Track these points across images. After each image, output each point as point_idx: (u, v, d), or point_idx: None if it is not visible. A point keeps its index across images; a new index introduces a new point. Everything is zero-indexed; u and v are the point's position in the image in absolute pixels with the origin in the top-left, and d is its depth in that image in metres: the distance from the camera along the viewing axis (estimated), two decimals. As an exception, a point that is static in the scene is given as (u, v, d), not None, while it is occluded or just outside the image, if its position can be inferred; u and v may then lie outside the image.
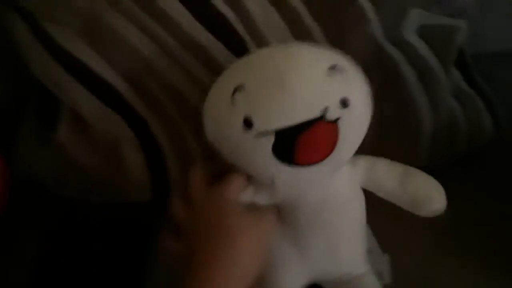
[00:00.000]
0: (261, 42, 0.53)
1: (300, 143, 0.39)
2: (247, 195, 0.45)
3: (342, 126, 0.40)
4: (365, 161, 0.46)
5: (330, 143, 0.40)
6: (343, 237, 0.46)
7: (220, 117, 0.41)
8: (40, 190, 0.58)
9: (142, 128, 0.56)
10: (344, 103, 0.40)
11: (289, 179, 0.42)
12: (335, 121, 0.39)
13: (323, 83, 0.40)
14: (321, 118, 0.39)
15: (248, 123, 0.39)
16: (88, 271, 0.53)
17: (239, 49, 0.52)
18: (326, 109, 0.39)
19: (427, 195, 0.45)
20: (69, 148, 0.57)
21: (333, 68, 0.40)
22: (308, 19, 0.53)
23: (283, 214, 0.45)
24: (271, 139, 0.39)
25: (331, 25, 0.53)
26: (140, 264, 0.54)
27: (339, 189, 0.45)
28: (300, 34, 0.53)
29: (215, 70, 0.53)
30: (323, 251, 0.46)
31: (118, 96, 0.54)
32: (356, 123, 0.41)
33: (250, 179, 0.44)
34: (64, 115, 0.57)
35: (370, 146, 0.49)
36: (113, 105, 0.55)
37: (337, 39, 0.52)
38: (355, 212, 0.47)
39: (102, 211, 0.58)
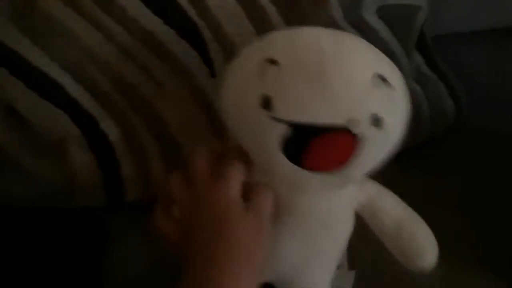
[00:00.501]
0: (215, 27, 0.50)
1: (313, 145, 0.35)
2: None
3: (364, 145, 0.35)
4: (373, 189, 0.42)
5: (345, 156, 0.35)
6: (320, 258, 0.43)
7: (240, 87, 0.36)
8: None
9: (90, 125, 0.52)
10: (376, 122, 0.35)
11: (289, 179, 0.38)
12: (359, 136, 0.34)
13: (363, 91, 0.34)
14: (345, 128, 0.34)
15: (267, 102, 0.34)
16: (36, 283, 0.49)
17: (191, 35, 0.50)
18: (355, 122, 0.34)
19: (420, 250, 0.42)
20: (8, 149, 0.53)
21: (378, 77, 0.35)
22: (265, 2, 0.51)
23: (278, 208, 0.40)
24: (284, 131, 0.34)
25: (288, 7, 0.51)
26: (93, 270, 0.51)
27: (336, 209, 0.41)
28: (257, 18, 0.50)
29: (167, 58, 0.51)
30: (293, 264, 0.42)
31: (59, 89, 0.50)
32: (380, 147, 0.36)
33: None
34: (-1, 111, 0.52)
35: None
36: (54, 99, 0.51)
37: (295, 22, 0.50)
38: (343, 235, 0.43)
39: (52, 216, 0.54)
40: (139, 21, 0.49)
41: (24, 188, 0.54)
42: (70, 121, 0.52)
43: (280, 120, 0.34)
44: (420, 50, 0.59)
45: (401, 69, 0.53)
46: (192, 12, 0.50)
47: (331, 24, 0.52)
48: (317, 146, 0.35)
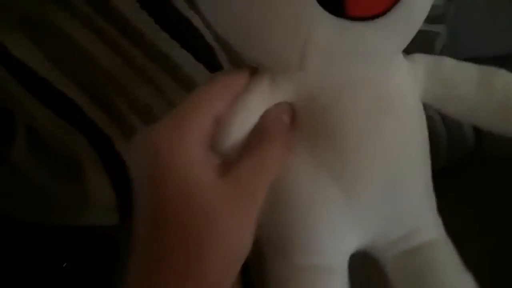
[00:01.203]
0: (231, 50, 0.50)
1: None
2: (260, 91, 0.29)
3: None
4: (425, 58, 0.33)
5: None
6: (409, 168, 0.31)
7: None
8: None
9: (105, 146, 0.52)
10: None
11: (331, 46, 0.27)
12: None
13: None
14: None
15: None
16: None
17: (208, 59, 0.50)
18: None
19: None
20: (24, 167, 0.53)
21: None
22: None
23: (318, 126, 0.29)
24: None
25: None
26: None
27: (400, 89, 0.31)
28: None
29: (183, 81, 0.51)
30: (381, 188, 0.30)
31: (76, 110, 0.51)
32: None
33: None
34: (19, 130, 0.53)
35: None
36: (72, 120, 0.51)
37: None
38: (421, 131, 0.32)
39: (64, 235, 0.54)
40: (157, 45, 0.49)
41: (39, 204, 0.54)
42: (86, 141, 0.52)
43: None
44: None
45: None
46: (209, 37, 0.50)
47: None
48: None
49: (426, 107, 0.54)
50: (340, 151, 0.29)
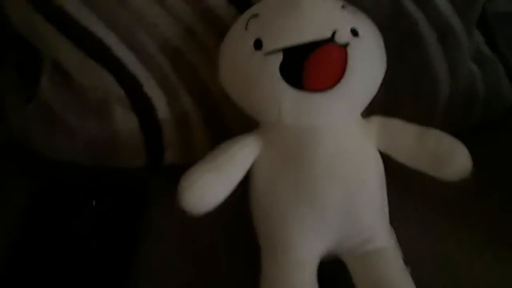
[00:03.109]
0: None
1: (308, 64, 0.39)
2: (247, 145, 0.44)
3: (351, 53, 0.40)
4: (378, 119, 0.45)
5: (339, 68, 0.40)
6: (362, 193, 0.43)
7: (234, 42, 0.44)
8: (26, 150, 0.55)
9: (134, 87, 0.52)
10: (354, 32, 0.41)
11: (297, 109, 0.41)
12: (345, 46, 0.40)
13: (335, 11, 0.42)
14: (330, 40, 0.40)
15: (258, 44, 0.41)
16: (74, 237, 0.50)
17: (241, 2, 0.48)
18: (336, 31, 0.40)
19: (449, 150, 0.43)
20: (53, 104, 0.53)
21: (346, 7, 0.43)
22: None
23: (296, 164, 0.42)
24: (279, 58, 0.40)
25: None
26: (131, 232, 0.51)
27: (354, 141, 0.44)
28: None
29: (214, 24, 0.49)
30: (340, 208, 0.42)
31: (105, 49, 0.50)
32: (365, 53, 0.42)
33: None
34: (46, 68, 0.53)
35: (382, 111, 0.47)
36: (100, 59, 0.50)
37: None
38: (374, 169, 0.44)
39: (92, 175, 0.55)
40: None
41: (69, 144, 0.54)
42: (114, 82, 0.51)
43: (273, 51, 0.40)
44: (480, 28, 0.56)
45: (459, 46, 0.52)
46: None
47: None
48: (312, 63, 0.39)
49: (467, 60, 0.53)
50: (308, 181, 0.42)
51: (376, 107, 0.48)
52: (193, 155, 0.53)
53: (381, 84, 0.46)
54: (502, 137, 0.56)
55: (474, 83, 0.55)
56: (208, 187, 0.42)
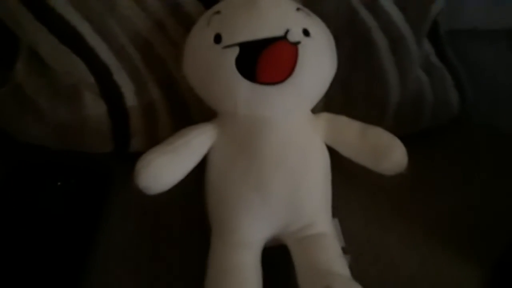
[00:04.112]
0: None
1: (262, 59, 0.42)
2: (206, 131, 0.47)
3: (302, 51, 0.44)
4: (326, 115, 0.49)
5: (289, 63, 0.43)
6: (306, 182, 0.46)
7: (196, 37, 0.47)
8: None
9: (104, 75, 0.54)
10: (306, 33, 0.44)
11: (251, 100, 0.44)
12: (296, 44, 0.43)
13: (289, 12, 0.46)
14: (283, 38, 0.43)
15: (217, 38, 0.44)
16: (41, 216, 0.52)
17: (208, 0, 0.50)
18: (288, 31, 0.43)
19: (388, 145, 0.46)
20: (26, 89, 0.55)
21: (301, 10, 0.46)
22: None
23: (247, 152, 0.45)
24: (236, 52, 0.43)
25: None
26: (96, 211, 0.53)
27: (303, 134, 0.47)
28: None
29: (183, 20, 0.52)
30: (285, 195, 0.45)
31: (79, 37, 0.52)
32: (315, 52, 0.45)
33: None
34: (21, 53, 0.54)
35: (337, 111, 0.50)
36: (73, 46, 0.52)
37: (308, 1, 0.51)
38: (319, 160, 0.47)
39: (60, 158, 0.57)
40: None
41: (40, 127, 0.56)
42: (86, 69, 0.53)
43: (230, 46, 0.43)
44: (431, 39, 0.60)
45: (410, 55, 0.56)
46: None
47: (346, 4, 0.53)
48: (265, 58, 0.43)
49: (416, 68, 0.56)
50: (258, 169, 0.45)
51: (330, 107, 0.51)
52: (158, 143, 0.56)
53: (336, 86, 0.49)
54: (447, 142, 0.60)
55: (422, 90, 0.58)
56: (163, 168, 0.45)
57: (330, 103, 0.52)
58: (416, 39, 0.56)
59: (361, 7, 0.54)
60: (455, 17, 0.64)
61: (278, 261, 0.47)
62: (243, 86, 0.43)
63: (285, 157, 0.45)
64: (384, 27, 0.54)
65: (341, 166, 0.49)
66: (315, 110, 0.50)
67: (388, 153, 0.46)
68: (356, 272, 0.45)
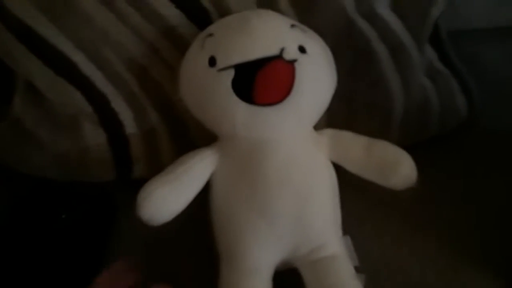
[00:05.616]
0: (224, 13, 0.50)
1: (258, 80, 0.41)
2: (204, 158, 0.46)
3: (299, 69, 0.42)
4: (330, 131, 0.48)
5: (287, 82, 0.42)
6: (313, 203, 0.44)
7: (191, 60, 0.46)
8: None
9: (101, 104, 0.54)
10: (302, 49, 0.43)
11: (249, 122, 0.43)
12: (292, 62, 0.42)
13: (284, 30, 0.44)
14: (278, 57, 0.42)
15: (212, 61, 0.43)
16: (46, 249, 0.51)
17: (202, 20, 0.50)
18: (283, 49, 0.42)
19: (395, 160, 0.45)
20: (26, 122, 0.55)
21: (295, 26, 0.45)
22: (275, -10, 0.51)
23: (249, 175, 0.44)
24: (231, 74, 0.42)
25: (298, -4, 0.51)
26: (101, 242, 0.52)
27: (306, 153, 0.45)
28: (267, 6, 0.50)
29: (177, 42, 0.51)
30: (292, 217, 0.44)
31: (73, 67, 0.51)
32: (313, 68, 0.44)
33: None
34: (18, 86, 0.54)
35: (339, 125, 0.49)
36: (69, 76, 0.52)
37: (305, 11, 0.50)
38: (325, 179, 0.46)
39: (62, 189, 0.56)
40: (151, 4, 0.50)
41: (41, 159, 0.55)
42: (83, 98, 0.53)
43: (225, 68, 0.42)
44: (433, 44, 0.58)
45: (411, 62, 0.55)
46: (204, -2, 0.51)
47: (342, 15, 0.52)
48: (262, 78, 0.41)
49: (420, 75, 0.55)
50: (262, 192, 0.43)
51: (334, 121, 0.50)
52: (161, 168, 0.54)
53: (338, 99, 0.48)
54: (456, 149, 0.58)
55: (427, 97, 0.57)
56: (165, 198, 0.44)
57: (333, 117, 0.51)
58: (417, 45, 0.55)
59: (358, 18, 0.52)
60: (457, 18, 0.62)
61: (290, 286, 0.45)
62: (241, 109, 0.42)
63: (289, 178, 0.44)
64: (383, 36, 0.53)
65: (349, 180, 0.47)
66: (318, 125, 0.48)
67: (395, 168, 0.44)
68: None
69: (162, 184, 0.44)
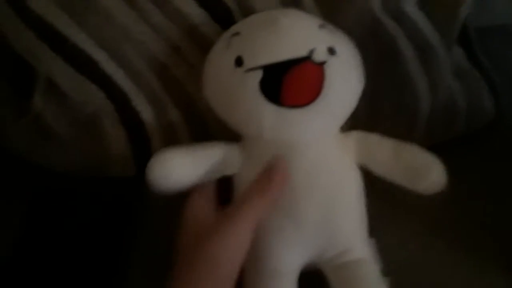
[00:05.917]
0: (248, 13, 0.49)
1: (286, 81, 0.41)
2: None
3: (328, 71, 0.42)
4: (356, 133, 0.47)
5: (316, 85, 0.41)
6: (340, 206, 0.44)
7: (216, 60, 0.45)
8: (19, 161, 0.57)
9: (123, 102, 0.53)
10: (331, 51, 0.42)
11: (277, 124, 0.42)
12: (322, 64, 0.41)
13: (313, 30, 0.43)
14: (308, 58, 0.41)
15: (239, 61, 0.42)
16: (66, 245, 0.52)
17: (225, 19, 0.49)
18: (313, 50, 0.41)
19: (425, 164, 0.44)
20: (46, 118, 0.54)
21: (324, 26, 0.44)
22: (300, -12, 0.50)
23: None
24: (259, 75, 0.41)
25: (324, -4, 0.50)
26: (118, 239, 0.53)
27: (333, 155, 0.45)
28: (291, 5, 0.49)
29: (199, 41, 0.51)
30: (319, 221, 0.43)
31: (95, 66, 0.51)
32: (342, 70, 0.43)
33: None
34: (39, 83, 0.54)
35: (364, 125, 0.48)
36: (90, 75, 0.52)
37: (331, 10, 0.49)
38: (352, 182, 0.45)
39: (82, 184, 0.56)
40: (173, 2, 0.49)
41: (62, 156, 0.56)
42: (104, 96, 0.53)
43: (253, 69, 0.41)
44: (461, 43, 0.57)
45: (439, 62, 0.53)
46: (228, -2, 0.50)
47: (368, 14, 0.50)
48: (290, 80, 0.41)
49: (447, 75, 0.54)
50: (288, 194, 0.42)
51: (358, 121, 0.49)
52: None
53: (363, 99, 0.47)
54: (483, 150, 0.57)
55: (454, 98, 0.55)
56: (177, 166, 0.43)
57: (357, 117, 0.50)
58: (445, 46, 0.53)
59: (384, 16, 0.51)
60: (486, 13, 0.60)
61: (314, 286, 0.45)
62: (268, 111, 0.42)
63: (317, 181, 0.43)
64: (410, 36, 0.52)
65: (373, 183, 0.46)
66: (342, 126, 0.47)
67: (425, 174, 0.43)
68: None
69: (178, 153, 0.44)
